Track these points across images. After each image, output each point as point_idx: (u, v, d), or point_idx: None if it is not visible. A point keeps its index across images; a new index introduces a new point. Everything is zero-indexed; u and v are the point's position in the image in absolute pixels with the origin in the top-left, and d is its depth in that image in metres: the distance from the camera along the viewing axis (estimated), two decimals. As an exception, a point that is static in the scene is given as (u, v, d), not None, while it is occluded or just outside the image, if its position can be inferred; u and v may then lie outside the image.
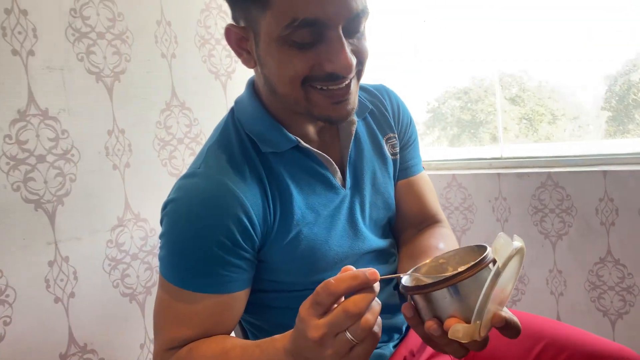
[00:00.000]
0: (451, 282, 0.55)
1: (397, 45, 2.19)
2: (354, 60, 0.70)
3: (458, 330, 0.54)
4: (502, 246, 0.54)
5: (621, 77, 2.15)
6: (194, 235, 0.73)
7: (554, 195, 1.74)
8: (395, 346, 0.90)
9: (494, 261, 0.55)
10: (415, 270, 0.64)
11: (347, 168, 0.86)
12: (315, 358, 0.58)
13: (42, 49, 1.05)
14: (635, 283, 1.62)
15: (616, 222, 1.63)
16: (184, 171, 1.30)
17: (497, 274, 0.53)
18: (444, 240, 0.88)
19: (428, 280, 0.61)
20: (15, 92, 1.02)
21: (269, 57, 0.72)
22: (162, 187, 1.28)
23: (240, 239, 0.73)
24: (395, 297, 0.91)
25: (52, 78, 1.06)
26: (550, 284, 1.77)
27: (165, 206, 0.77)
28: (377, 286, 0.56)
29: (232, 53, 1.42)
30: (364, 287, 0.55)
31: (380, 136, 0.92)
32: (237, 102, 0.85)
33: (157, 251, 1.28)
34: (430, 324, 0.57)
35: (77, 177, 1.11)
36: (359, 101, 0.90)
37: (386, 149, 0.93)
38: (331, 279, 0.55)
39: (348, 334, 0.55)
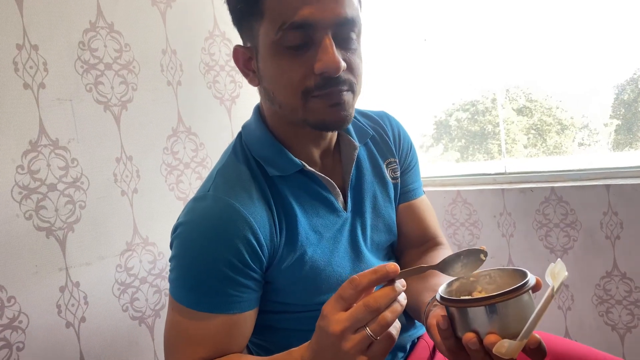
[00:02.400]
0: (496, 301, 0.58)
1: (403, 58, 2.21)
2: (342, 63, 0.73)
3: (504, 345, 0.57)
4: (559, 272, 0.58)
5: (629, 85, 2.14)
6: (204, 257, 0.76)
7: (558, 210, 1.75)
8: (399, 365, 0.92)
9: (534, 287, 0.60)
10: (448, 286, 0.67)
11: (349, 192, 0.89)
12: (334, 356, 0.60)
13: (52, 81, 1.09)
14: (642, 296, 1.62)
15: (621, 235, 1.63)
16: (191, 195, 1.33)
17: (552, 296, 0.56)
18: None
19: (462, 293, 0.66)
20: (27, 124, 1.05)
21: (267, 68, 0.77)
22: (170, 211, 1.31)
23: (249, 259, 0.76)
24: (401, 317, 0.93)
25: (62, 109, 1.10)
26: (558, 298, 1.77)
27: (175, 229, 0.80)
28: (400, 286, 0.60)
29: (236, 78, 1.46)
30: (384, 280, 0.60)
31: (381, 161, 0.95)
32: (245, 127, 0.88)
33: (165, 274, 1.30)
34: (471, 337, 0.60)
35: (87, 204, 1.15)
36: (361, 127, 0.93)
37: (387, 173, 0.96)
38: (356, 275, 0.59)
39: (368, 330, 0.58)
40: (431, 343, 0.98)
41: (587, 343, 1.08)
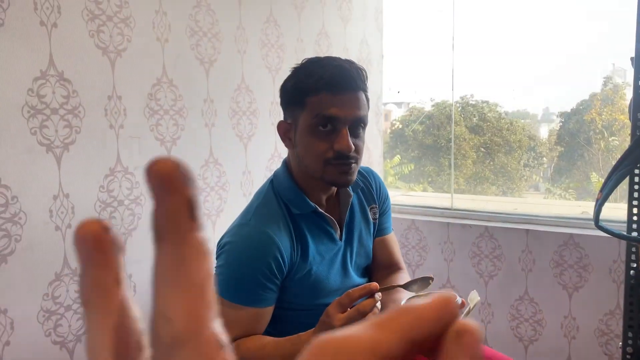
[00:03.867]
0: None
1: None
2: (352, 146, 1.06)
3: None
4: (474, 298, 0.93)
5: (575, 115, 2.36)
6: (244, 267, 1.05)
7: (489, 244, 2.14)
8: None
9: (460, 306, 0.92)
10: (407, 301, 0.97)
11: (344, 227, 1.23)
12: None
13: (128, 123, 1.43)
14: (543, 317, 2.07)
15: (533, 269, 2.06)
16: (213, 211, 1.70)
17: (468, 313, 0.90)
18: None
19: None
20: (109, 156, 1.39)
21: (302, 141, 1.06)
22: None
23: (275, 271, 1.05)
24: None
25: (133, 144, 1.44)
26: (481, 313, 2.21)
27: (223, 245, 1.10)
28: (378, 298, 0.90)
29: (253, 121, 1.83)
30: (368, 294, 0.89)
31: (366, 206, 1.28)
32: (276, 175, 1.17)
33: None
34: None
35: (142, 216, 1.49)
36: (355, 181, 1.31)
37: (370, 215, 1.29)
38: (350, 290, 0.90)
39: None
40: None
41: (499, 350, 1.48)
